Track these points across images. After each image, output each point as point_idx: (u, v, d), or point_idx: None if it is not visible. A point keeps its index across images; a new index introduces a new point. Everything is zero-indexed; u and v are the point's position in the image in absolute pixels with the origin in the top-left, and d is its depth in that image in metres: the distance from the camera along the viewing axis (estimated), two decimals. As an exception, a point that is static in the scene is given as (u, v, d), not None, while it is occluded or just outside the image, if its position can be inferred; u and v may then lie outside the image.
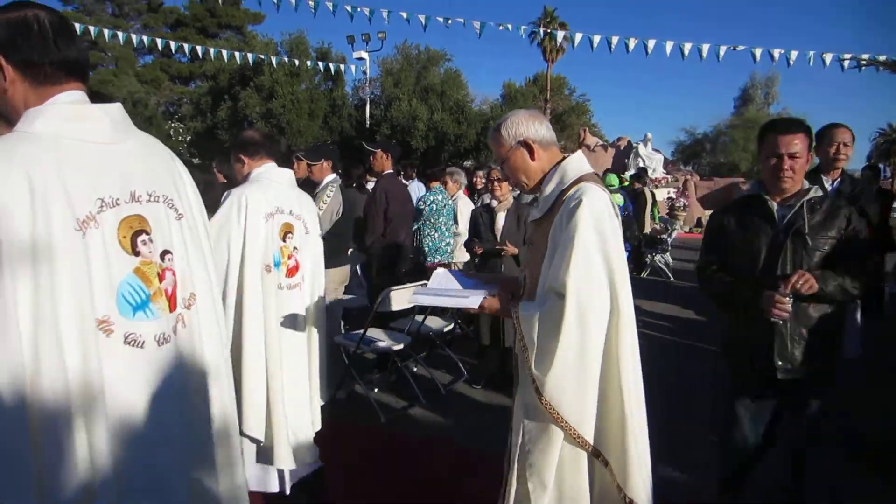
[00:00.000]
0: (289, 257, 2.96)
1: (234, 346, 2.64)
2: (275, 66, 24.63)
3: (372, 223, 5.22)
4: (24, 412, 1.22)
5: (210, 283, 1.69)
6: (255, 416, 2.81)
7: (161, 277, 1.50)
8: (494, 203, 5.22)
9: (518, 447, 2.03)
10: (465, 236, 6.42)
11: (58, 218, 1.29)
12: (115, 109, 1.50)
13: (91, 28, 24.37)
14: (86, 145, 1.40)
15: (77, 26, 23.28)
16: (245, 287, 2.78)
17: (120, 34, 24.93)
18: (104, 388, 1.34)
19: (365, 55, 26.06)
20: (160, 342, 1.47)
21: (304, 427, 3.02)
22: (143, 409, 1.42)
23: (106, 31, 24.57)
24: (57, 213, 1.29)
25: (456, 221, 6.51)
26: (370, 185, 7.50)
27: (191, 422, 1.55)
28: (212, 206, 5.13)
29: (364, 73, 26.89)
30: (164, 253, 1.53)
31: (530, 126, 2.12)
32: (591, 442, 1.93)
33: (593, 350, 1.88)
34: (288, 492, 2.99)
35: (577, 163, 2.10)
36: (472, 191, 8.90)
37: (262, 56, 24.60)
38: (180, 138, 29.14)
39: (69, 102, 1.42)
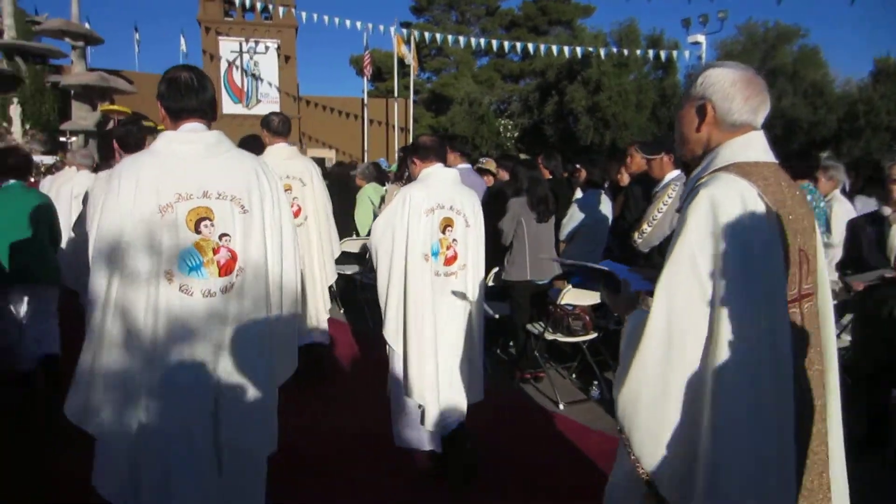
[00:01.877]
0: (447, 248, 3.35)
1: (398, 324, 3.28)
2: (602, 57, 24.16)
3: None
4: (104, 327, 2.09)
5: (265, 262, 2.30)
6: (417, 385, 3.26)
7: (216, 251, 2.20)
8: (888, 211, 3.80)
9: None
10: (839, 249, 5.03)
11: (146, 203, 2.08)
12: (212, 136, 2.25)
13: (437, 36, 26.89)
14: (179, 158, 2.18)
15: (426, 35, 25.78)
16: (408, 273, 3.24)
17: (461, 39, 27.03)
18: (160, 312, 2.10)
19: (701, 38, 23.93)
20: (205, 295, 2.18)
21: (457, 396, 3.38)
22: (184, 335, 2.14)
23: (449, 38, 26.85)
24: (145, 200, 2.08)
25: (828, 229, 5.13)
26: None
27: (219, 347, 2.22)
28: (538, 202, 4.77)
29: (699, 58, 24.73)
30: (223, 235, 2.21)
31: (728, 92, 1.64)
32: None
33: (681, 379, 1.54)
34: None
35: (737, 147, 1.64)
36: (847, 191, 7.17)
37: (590, 48, 24.32)
38: (508, 134, 30.49)
39: (185, 131, 2.22)
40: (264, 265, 2.29)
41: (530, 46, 25.88)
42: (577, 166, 6.37)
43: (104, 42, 27.38)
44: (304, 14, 26.36)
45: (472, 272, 3.44)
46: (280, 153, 4.41)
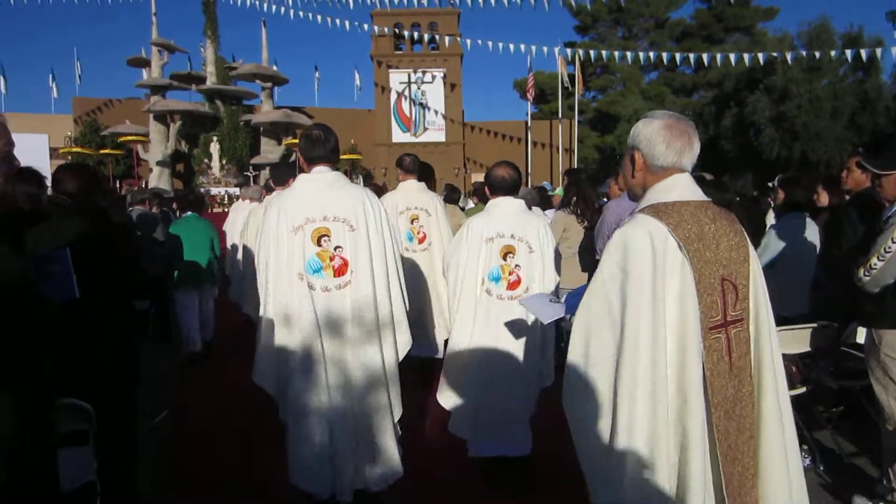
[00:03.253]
0: (510, 273, 3.63)
1: (459, 347, 3.64)
2: (789, 62, 21.96)
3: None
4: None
5: (371, 268, 3.07)
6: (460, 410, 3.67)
7: (332, 259, 3.03)
8: None
9: None
10: None
11: (284, 224, 3.00)
12: (332, 175, 3.10)
13: (603, 53, 26.09)
14: (308, 192, 3.06)
15: (591, 53, 25.13)
16: (467, 296, 3.62)
17: (628, 54, 26.00)
18: (294, 302, 3.01)
19: (912, 32, 21.00)
20: (323, 290, 3.02)
21: (512, 402, 3.60)
22: (309, 320, 3.02)
23: (616, 54, 25.95)
24: (284, 222, 3.00)
25: None
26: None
27: (336, 331, 3.06)
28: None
29: (909, 54, 21.69)
30: (336, 247, 3.03)
31: (651, 141, 1.86)
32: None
33: (598, 384, 1.80)
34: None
35: (661, 190, 1.86)
36: None
37: (774, 54, 22.24)
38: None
39: (314, 172, 3.07)
40: (370, 267, 3.07)
41: (704, 57, 24.18)
42: (772, 185, 5.53)
43: (289, 82, 29.87)
44: (468, 41, 26.88)
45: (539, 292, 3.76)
46: (410, 188, 5.13)
